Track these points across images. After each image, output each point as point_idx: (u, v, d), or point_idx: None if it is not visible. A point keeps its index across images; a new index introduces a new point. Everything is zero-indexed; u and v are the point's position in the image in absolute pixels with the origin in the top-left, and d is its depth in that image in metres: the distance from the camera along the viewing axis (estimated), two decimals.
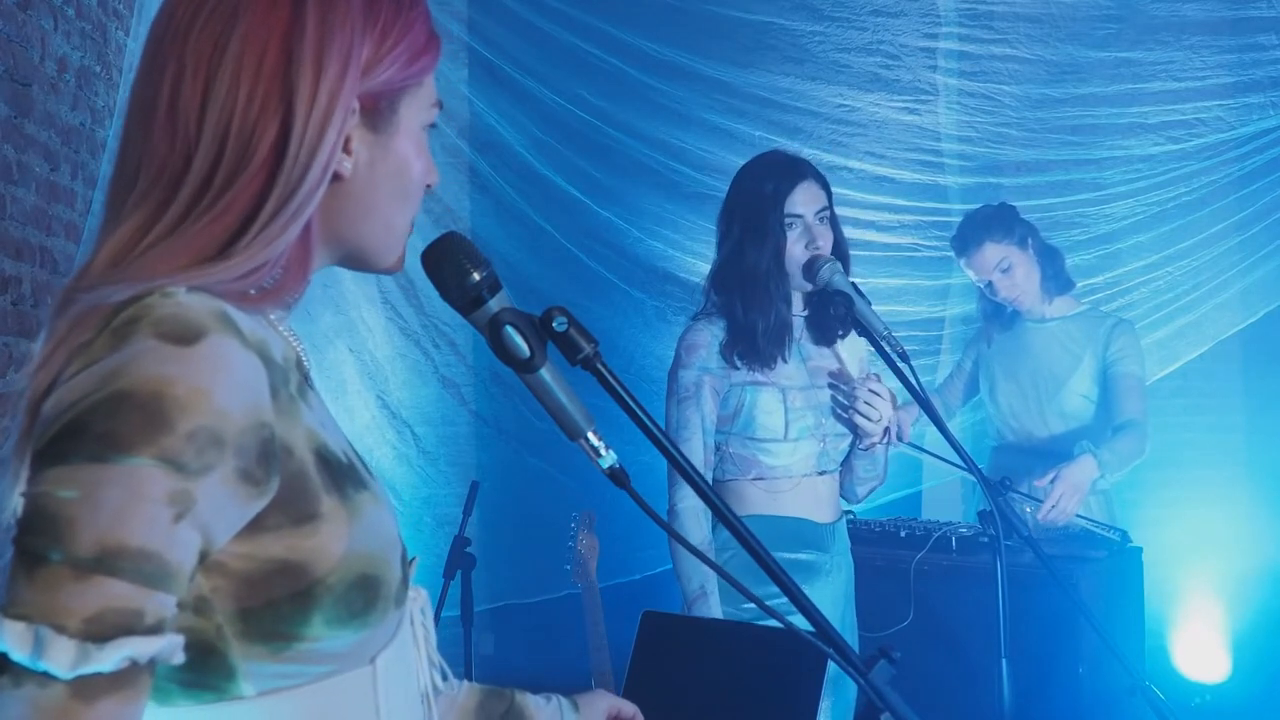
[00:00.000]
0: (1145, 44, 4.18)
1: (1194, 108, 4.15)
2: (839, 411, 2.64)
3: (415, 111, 1.10)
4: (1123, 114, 4.23)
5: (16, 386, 1.00)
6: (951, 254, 3.71)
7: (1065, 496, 3.17)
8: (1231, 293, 4.19)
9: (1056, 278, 3.57)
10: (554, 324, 1.15)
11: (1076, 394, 3.54)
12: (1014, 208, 3.61)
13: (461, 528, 3.46)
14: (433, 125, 1.13)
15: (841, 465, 2.71)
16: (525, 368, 1.15)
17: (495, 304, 1.15)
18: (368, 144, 1.06)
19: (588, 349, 1.16)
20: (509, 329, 1.14)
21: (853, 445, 2.67)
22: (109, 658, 0.86)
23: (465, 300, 1.15)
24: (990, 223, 3.52)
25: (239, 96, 0.99)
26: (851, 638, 2.71)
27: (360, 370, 4.77)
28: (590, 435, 1.16)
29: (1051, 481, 3.18)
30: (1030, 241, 3.54)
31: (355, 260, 1.12)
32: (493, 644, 4.96)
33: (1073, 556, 3.13)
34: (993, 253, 3.51)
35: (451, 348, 4.87)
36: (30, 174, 3.10)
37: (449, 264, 1.14)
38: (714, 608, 2.49)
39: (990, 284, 3.55)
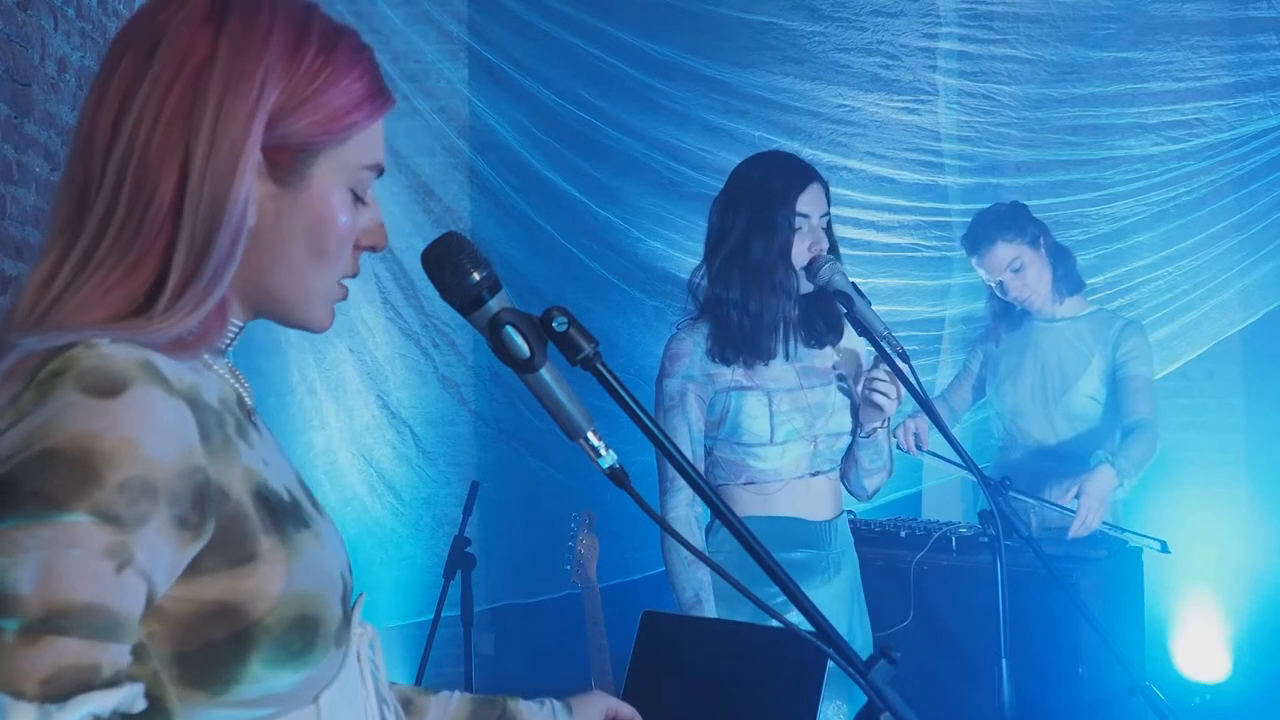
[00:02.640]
0: (1145, 44, 4.18)
1: (1194, 108, 4.15)
2: (845, 390, 2.61)
3: (334, 171, 1.05)
4: (1123, 114, 4.23)
5: None
6: (951, 254, 3.70)
7: (1091, 511, 3.13)
8: (1231, 293, 4.18)
9: (1067, 277, 3.55)
10: (554, 324, 1.15)
11: (1084, 395, 3.52)
12: (1025, 206, 3.58)
13: (461, 528, 3.46)
14: (356, 194, 1.08)
15: (844, 462, 2.69)
16: (525, 368, 1.15)
17: (495, 304, 1.15)
18: (272, 196, 1.03)
19: (588, 349, 1.16)
20: (509, 329, 1.14)
21: (854, 438, 2.65)
22: (71, 715, 0.85)
23: (465, 300, 1.15)
24: (1002, 221, 3.50)
25: (140, 135, 0.97)
26: (864, 636, 2.69)
27: (360, 370, 4.78)
28: (590, 435, 1.16)
29: (1076, 496, 3.15)
30: (1042, 241, 3.52)
31: (274, 314, 1.09)
32: (493, 644, 4.96)
33: (1073, 556, 3.13)
34: (1005, 252, 3.48)
35: (451, 348, 4.88)
36: (30, 174, 3.10)
37: (449, 264, 1.14)
38: (709, 615, 2.48)
39: (1002, 284, 3.53)
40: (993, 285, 3.58)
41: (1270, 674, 4.31)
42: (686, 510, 2.53)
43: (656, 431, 1.21)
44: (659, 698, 1.65)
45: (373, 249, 1.11)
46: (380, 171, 1.09)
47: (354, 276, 1.11)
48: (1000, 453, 3.71)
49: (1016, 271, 3.50)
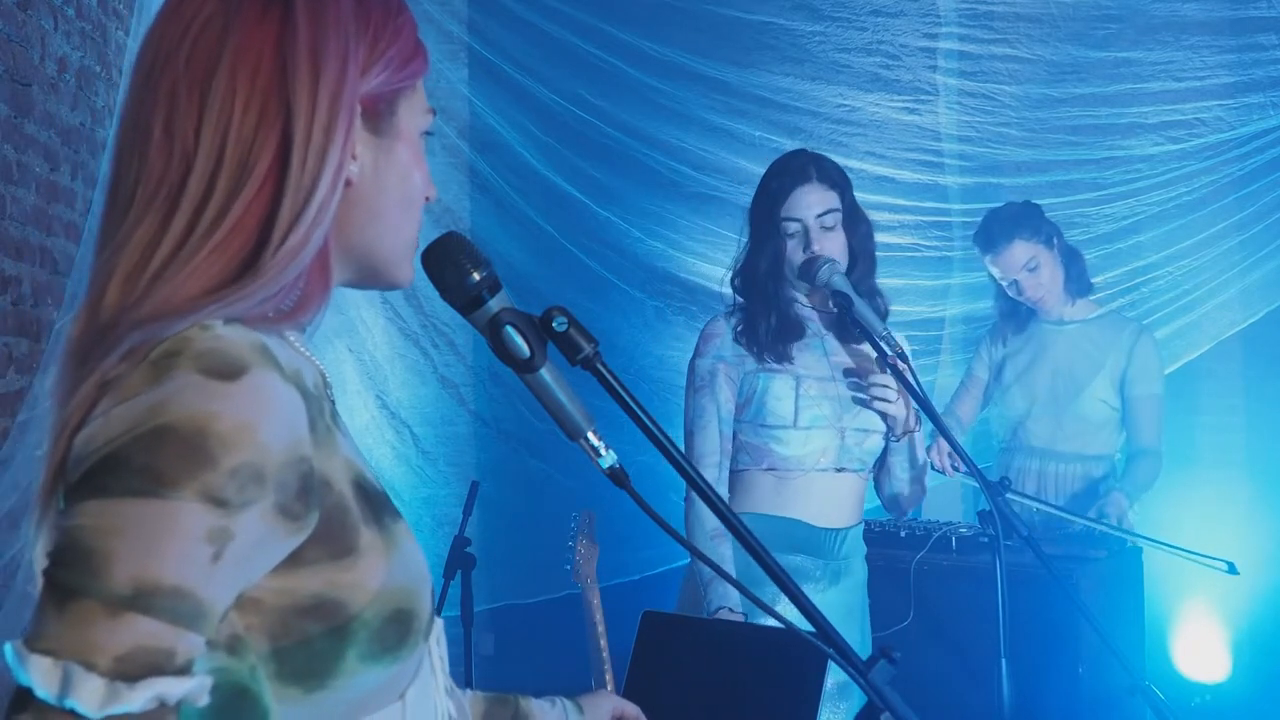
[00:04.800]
0: (1145, 44, 4.18)
1: (1194, 108, 4.14)
2: (859, 397, 2.61)
3: (412, 115, 1.09)
4: (1123, 114, 4.23)
5: (35, 410, 0.99)
6: (951, 254, 3.68)
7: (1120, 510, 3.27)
8: (1231, 293, 4.18)
9: (1079, 279, 3.54)
10: (554, 324, 1.15)
11: (1095, 399, 3.51)
12: (1039, 206, 3.57)
13: (461, 528, 3.46)
14: (429, 133, 1.12)
15: (878, 470, 2.68)
16: (525, 368, 1.15)
17: (495, 304, 1.15)
18: (371, 147, 1.05)
19: (588, 349, 1.16)
20: (509, 329, 1.14)
21: (886, 443, 2.64)
22: (139, 698, 0.85)
23: (465, 300, 1.15)
24: (1019, 220, 3.48)
25: (234, 107, 0.98)
26: (862, 649, 2.67)
27: (360, 370, 4.77)
28: (590, 435, 1.16)
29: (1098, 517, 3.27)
30: (1055, 241, 3.51)
31: (367, 273, 1.10)
32: (493, 644, 4.96)
33: (1073, 556, 3.13)
34: (1021, 251, 3.47)
35: (451, 348, 4.87)
36: (30, 174, 3.10)
37: (449, 264, 1.14)
38: (729, 587, 2.47)
39: (1016, 283, 3.51)
40: (1005, 285, 3.55)
41: (1270, 674, 4.31)
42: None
43: (656, 432, 1.21)
44: (659, 698, 1.65)
45: (428, 199, 1.13)
46: (434, 113, 1.13)
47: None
48: (1004, 454, 3.69)
49: (1032, 271, 3.48)
